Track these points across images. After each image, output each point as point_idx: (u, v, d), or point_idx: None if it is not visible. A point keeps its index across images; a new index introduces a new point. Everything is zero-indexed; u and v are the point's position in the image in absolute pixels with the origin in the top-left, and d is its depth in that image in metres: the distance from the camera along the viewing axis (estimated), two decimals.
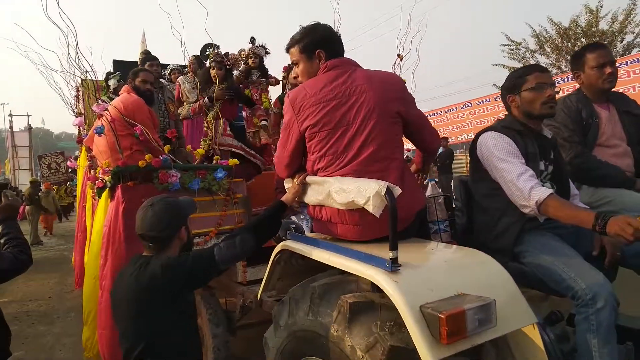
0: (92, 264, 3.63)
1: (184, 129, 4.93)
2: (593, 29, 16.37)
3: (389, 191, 1.48)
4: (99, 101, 3.09)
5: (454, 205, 2.23)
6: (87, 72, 3.29)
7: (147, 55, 5.09)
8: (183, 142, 4.45)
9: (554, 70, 16.88)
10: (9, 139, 24.71)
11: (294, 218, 3.47)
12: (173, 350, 1.80)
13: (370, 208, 1.51)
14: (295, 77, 4.59)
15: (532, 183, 1.82)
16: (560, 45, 17.16)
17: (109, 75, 5.95)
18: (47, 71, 6.27)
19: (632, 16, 15.71)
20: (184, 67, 6.00)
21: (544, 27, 17.34)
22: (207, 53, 4.50)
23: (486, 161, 2.01)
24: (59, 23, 2.96)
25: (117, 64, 6.53)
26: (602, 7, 16.22)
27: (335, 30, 2.06)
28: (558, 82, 10.29)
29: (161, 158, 3.23)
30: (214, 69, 4.37)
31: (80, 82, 6.55)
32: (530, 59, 17.74)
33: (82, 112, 6.75)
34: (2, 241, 2.14)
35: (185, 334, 1.87)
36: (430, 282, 1.42)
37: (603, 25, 16.36)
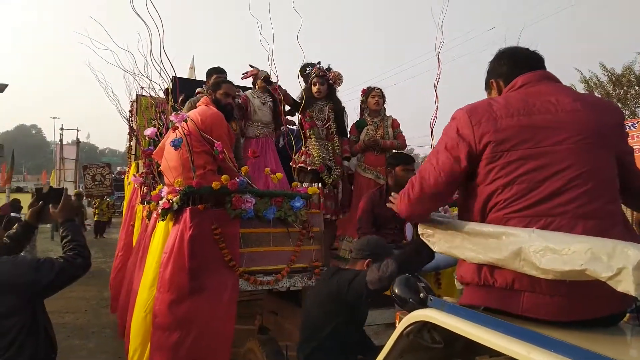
0: (145, 296, 3.18)
1: (255, 147, 4.52)
2: None
3: None
4: (177, 111, 2.71)
5: None
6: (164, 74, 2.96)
7: (215, 69, 4.70)
8: (242, 165, 4.05)
9: None
10: (58, 151, 25.50)
11: None
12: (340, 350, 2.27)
13: (627, 287, 0.97)
14: (376, 103, 4.16)
15: None
16: (611, 92, 16.55)
17: (167, 91, 5.69)
18: (106, 82, 6.14)
19: None
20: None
21: (594, 72, 16.82)
22: (307, 72, 4.13)
23: None
24: (139, 18, 2.65)
25: (177, 80, 6.27)
26: None
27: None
28: None
29: (237, 180, 2.81)
30: (315, 84, 4.01)
31: (135, 97, 6.38)
32: None
33: (135, 127, 6.53)
34: (62, 244, 2.11)
35: (354, 338, 2.40)
36: None
37: None
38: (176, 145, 2.60)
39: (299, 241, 3.07)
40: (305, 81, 4.20)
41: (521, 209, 1.33)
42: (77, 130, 28.24)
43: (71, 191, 17.38)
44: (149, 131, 2.77)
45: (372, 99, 4.14)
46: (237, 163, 3.91)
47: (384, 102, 4.21)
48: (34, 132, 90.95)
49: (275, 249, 3.00)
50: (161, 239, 3.18)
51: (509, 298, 1.31)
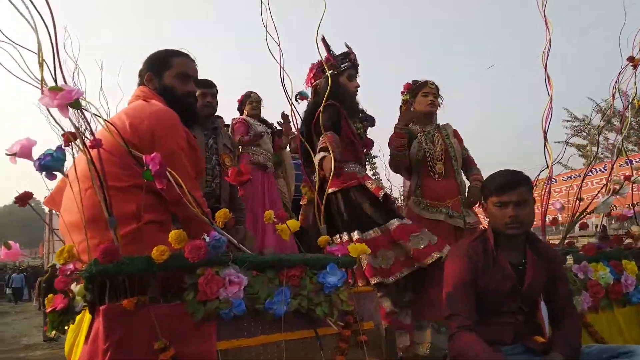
0: None
1: (254, 188, 3.06)
2: None
3: None
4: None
5: None
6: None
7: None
8: (243, 214, 2.52)
9: (634, 148, 15.00)
10: (47, 222, 24.42)
11: None
12: None
13: None
14: (431, 104, 2.67)
15: None
16: (632, 119, 15.36)
17: None
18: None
19: None
20: None
21: (607, 100, 15.80)
22: (339, 61, 2.55)
23: None
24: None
25: None
26: None
27: None
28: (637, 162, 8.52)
29: (206, 239, 1.32)
30: (352, 79, 2.55)
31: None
32: (597, 135, 16.13)
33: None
34: None
35: None
36: None
37: None
38: (47, 166, 1.11)
39: (339, 354, 1.53)
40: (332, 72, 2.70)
41: None
42: None
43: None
44: (17, 145, 1.26)
45: (425, 97, 2.66)
46: (237, 213, 2.39)
47: (440, 104, 2.74)
48: (32, 204, 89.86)
49: None
50: None
51: None
